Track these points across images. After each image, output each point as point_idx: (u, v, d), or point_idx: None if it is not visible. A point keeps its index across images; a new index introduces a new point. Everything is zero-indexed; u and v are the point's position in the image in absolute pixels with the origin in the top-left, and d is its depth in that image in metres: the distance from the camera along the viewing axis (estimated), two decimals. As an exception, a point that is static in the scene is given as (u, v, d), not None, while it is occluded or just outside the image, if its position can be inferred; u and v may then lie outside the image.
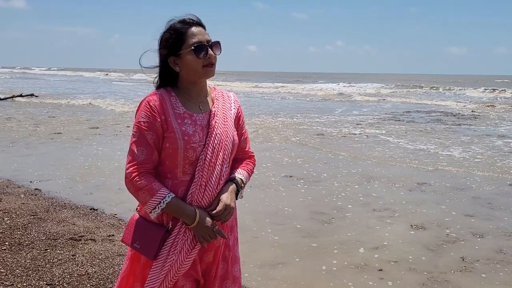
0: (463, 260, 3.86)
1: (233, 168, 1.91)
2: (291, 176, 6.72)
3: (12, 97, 19.93)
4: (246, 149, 1.98)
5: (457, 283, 3.44)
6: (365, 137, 10.83)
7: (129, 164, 1.73)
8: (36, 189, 5.68)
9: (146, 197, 1.70)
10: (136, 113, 1.77)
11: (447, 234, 4.47)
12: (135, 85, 37.85)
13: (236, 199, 1.85)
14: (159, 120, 1.72)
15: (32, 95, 21.26)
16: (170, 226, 1.75)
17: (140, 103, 1.77)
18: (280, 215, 4.99)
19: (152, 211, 1.71)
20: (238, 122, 1.93)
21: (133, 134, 1.75)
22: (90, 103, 18.79)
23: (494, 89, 31.25)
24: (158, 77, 1.84)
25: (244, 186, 1.89)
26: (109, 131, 11.00)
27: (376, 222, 4.81)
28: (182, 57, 1.75)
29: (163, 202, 1.69)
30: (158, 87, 1.83)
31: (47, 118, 13.46)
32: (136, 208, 1.87)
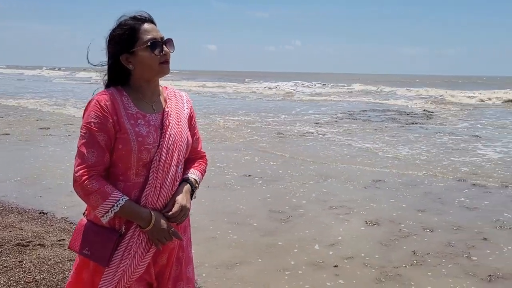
0: (414, 254, 3.98)
1: (186, 168, 1.87)
2: (249, 175, 6.72)
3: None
4: (198, 149, 1.96)
5: (408, 277, 3.54)
6: (321, 135, 11.00)
7: (79, 167, 1.64)
8: (-20, 193, 5.39)
9: (98, 201, 1.63)
10: (85, 113, 1.69)
11: (400, 230, 4.60)
12: (78, 84, 37.15)
13: (191, 199, 1.82)
14: (110, 120, 1.65)
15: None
16: (123, 230, 1.69)
17: (89, 103, 1.69)
18: (238, 214, 4.98)
19: (105, 215, 1.64)
20: (191, 122, 1.90)
21: (81, 135, 1.67)
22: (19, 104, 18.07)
23: (444, 91, 32.50)
24: (106, 76, 1.77)
25: (198, 186, 1.87)
26: (61, 131, 10.61)
27: (332, 219, 4.89)
28: (137, 54, 1.69)
29: (117, 206, 1.63)
30: (108, 86, 1.76)
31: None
32: (84, 213, 1.79)
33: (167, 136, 1.73)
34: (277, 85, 36.88)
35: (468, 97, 23.95)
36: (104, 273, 1.67)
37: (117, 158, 1.68)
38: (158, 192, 1.71)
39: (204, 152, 1.99)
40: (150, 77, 1.75)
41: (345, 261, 3.82)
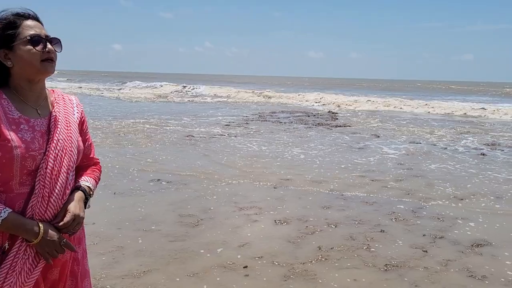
0: (319, 249, 4.17)
1: (78, 176, 1.78)
2: (158, 180, 6.56)
3: None
4: (91, 156, 1.87)
5: (314, 272, 3.70)
6: (233, 137, 11.11)
7: None
8: None
9: None
10: None
11: (306, 226, 4.79)
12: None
13: (85, 208, 1.72)
14: None
15: None
16: (7, 246, 1.55)
17: None
18: (147, 221, 4.83)
19: None
20: (82, 127, 1.81)
21: None
22: None
23: (353, 94, 34.55)
24: None
25: (92, 194, 1.78)
26: None
27: (242, 221, 4.94)
28: (16, 49, 1.56)
29: None
30: None
31: None
32: None
33: (54, 141, 1.63)
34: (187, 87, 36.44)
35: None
36: None
37: None
38: (46, 201, 1.59)
39: (98, 159, 1.91)
40: (31, 75, 1.62)
41: (254, 261, 3.88)
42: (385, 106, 22.69)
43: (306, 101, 26.08)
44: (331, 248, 4.20)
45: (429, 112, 20.70)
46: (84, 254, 1.82)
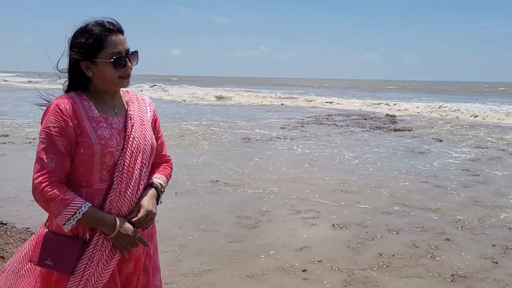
0: (380, 256, 4.06)
1: (151, 173, 1.85)
2: (216, 181, 6.68)
3: None
4: (163, 153, 1.94)
5: (375, 279, 3.60)
6: (289, 139, 11.09)
7: (38, 174, 1.59)
8: None
9: (59, 208, 1.57)
10: (43, 118, 1.64)
11: (366, 232, 4.68)
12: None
13: (157, 204, 1.79)
14: (71, 124, 1.61)
15: None
16: (88, 238, 1.64)
17: (48, 107, 1.64)
18: (206, 221, 4.93)
19: (66, 223, 1.59)
20: (155, 125, 1.87)
21: (41, 141, 1.61)
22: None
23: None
24: (67, 80, 1.72)
25: (164, 191, 1.84)
26: (21, 138, 10.22)
27: (299, 224, 4.92)
28: (98, 65, 1.65)
29: (79, 213, 1.58)
30: (68, 91, 1.72)
31: None
32: (45, 223, 1.73)
33: (130, 139, 1.70)
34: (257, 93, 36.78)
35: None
36: (69, 283, 1.62)
37: (79, 163, 1.64)
38: (122, 197, 1.67)
39: (169, 156, 1.97)
40: (107, 89, 1.72)
41: (313, 265, 3.85)
42: (445, 109, 21.63)
43: (361, 104, 25.49)
44: (393, 255, 4.08)
45: (498, 119, 18.97)
46: (155, 250, 1.88)
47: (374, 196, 6.10)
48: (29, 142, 9.57)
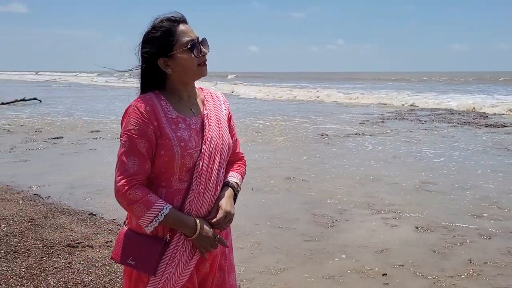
0: (470, 262, 3.75)
1: (226, 171, 1.81)
2: (292, 178, 6.62)
3: (15, 101, 19.93)
4: (237, 151, 1.90)
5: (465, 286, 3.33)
6: (369, 136, 10.71)
7: (120, 177, 1.60)
8: (35, 194, 5.62)
9: (141, 210, 1.58)
10: (123, 120, 1.65)
11: (454, 236, 4.35)
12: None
13: (234, 203, 1.76)
14: (151, 126, 1.60)
15: (35, 99, 21.26)
16: (168, 238, 1.65)
17: (127, 109, 1.65)
18: (282, 218, 4.89)
19: (149, 225, 1.59)
20: (229, 123, 1.84)
21: (122, 143, 1.63)
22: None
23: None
24: (140, 81, 1.72)
25: (239, 190, 1.81)
26: (111, 134, 10.94)
27: (380, 224, 4.70)
28: (176, 58, 1.64)
29: (161, 215, 1.58)
30: (144, 91, 1.71)
31: (49, 122, 13.42)
32: (124, 222, 1.77)
33: (208, 139, 1.68)
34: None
35: None
36: (149, 282, 1.63)
37: (160, 164, 1.63)
38: (201, 198, 1.65)
39: (243, 154, 1.93)
40: (188, 80, 1.70)
41: (394, 269, 3.64)
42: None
43: (445, 98, 23.85)
44: (485, 263, 3.74)
45: None
46: (230, 249, 1.86)
47: (461, 197, 5.66)
48: (118, 138, 10.20)
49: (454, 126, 12.70)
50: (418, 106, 19.51)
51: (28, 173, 6.86)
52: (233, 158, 1.88)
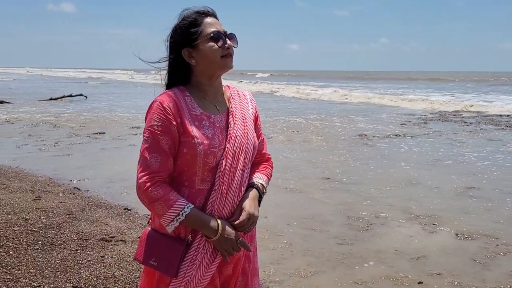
0: (514, 275, 3.53)
1: (251, 172, 1.75)
2: (328, 178, 6.49)
3: (62, 97, 20.76)
4: (263, 152, 1.83)
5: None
6: (409, 137, 10.38)
7: (142, 173, 1.57)
8: (75, 188, 5.79)
9: (162, 209, 1.55)
10: (147, 116, 1.62)
11: (497, 245, 4.12)
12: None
13: (258, 206, 1.70)
14: (174, 123, 1.57)
15: (81, 95, 22.05)
16: (190, 239, 1.61)
17: (151, 105, 1.63)
18: (315, 219, 4.79)
19: (170, 224, 1.56)
20: (256, 123, 1.78)
21: (144, 139, 1.60)
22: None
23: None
24: (167, 75, 1.70)
25: (265, 192, 1.74)
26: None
27: (417, 230, 4.52)
28: (199, 47, 1.61)
29: (182, 214, 1.54)
30: (168, 86, 1.69)
31: (92, 117, 13.86)
32: (148, 221, 1.76)
33: (232, 138, 1.63)
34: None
35: None
36: (171, 284, 1.60)
37: (182, 162, 1.60)
38: (224, 198, 1.60)
39: (269, 155, 1.86)
40: (212, 71, 1.65)
41: (431, 277, 3.48)
42: None
43: (494, 100, 22.81)
44: (530, 276, 3.51)
45: None
46: (255, 252, 1.80)
47: (507, 204, 5.36)
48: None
49: (502, 129, 12.11)
50: (464, 107, 18.75)
51: (70, 166, 7.09)
52: (260, 159, 1.82)
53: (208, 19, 1.64)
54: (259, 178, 1.74)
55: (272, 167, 1.86)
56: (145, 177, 1.57)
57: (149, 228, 1.70)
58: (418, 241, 4.24)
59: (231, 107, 1.70)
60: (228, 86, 1.79)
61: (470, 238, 4.29)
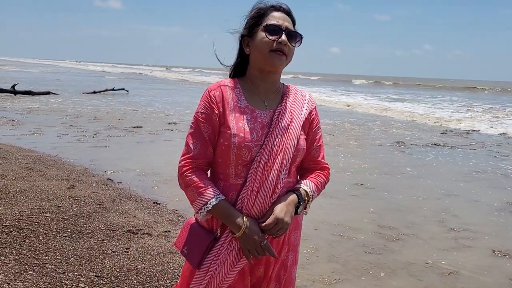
0: (554, 299, 3.30)
1: (301, 178, 1.69)
2: (361, 184, 6.33)
3: (105, 90, 21.41)
4: (319, 159, 1.72)
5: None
6: (449, 147, 9.99)
7: (182, 157, 1.60)
8: (108, 179, 5.91)
9: (193, 195, 1.55)
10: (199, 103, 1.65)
11: (537, 266, 3.87)
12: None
13: (297, 213, 1.59)
14: (216, 112, 1.57)
15: (123, 89, 22.66)
16: (219, 234, 1.59)
17: (204, 93, 1.64)
18: (344, 226, 4.67)
19: (198, 212, 1.56)
20: (311, 126, 1.69)
21: (190, 125, 1.63)
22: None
23: None
24: (232, 65, 1.71)
25: (309, 200, 1.63)
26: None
27: (451, 244, 4.31)
28: (254, 37, 1.59)
29: (209, 204, 1.52)
30: (230, 76, 1.70)
31: (131, 111, 14.18)
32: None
33: (273, 135, 1.57)
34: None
35: None
36: (195, 275, 1.60)
37: (218, 153, 1.59)
38: (254, 196, 1.54)
39: (326, 163, 1.74)
40: (260, 64, 1.61)
41: (463, 295, 3.31)
42: None
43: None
44: None
45: None
46: (294, 262, 1.72)
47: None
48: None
49: (551, 143, 11.45)
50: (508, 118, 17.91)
51: (105, 158, 7.26)
52: (313, 166, 1.72)
53: (276, 13, 1.61)
54: (305, 185, 1.64)
55: (326, 177, 1.74)
56: (184, 161, 1.59)
57: (193, 218, 1.70)
58: (451, 255, 4.04)
59: (281, 105, 1.65)
60: (289, 86, 1.73)
61: (508, 256, 4.06)
